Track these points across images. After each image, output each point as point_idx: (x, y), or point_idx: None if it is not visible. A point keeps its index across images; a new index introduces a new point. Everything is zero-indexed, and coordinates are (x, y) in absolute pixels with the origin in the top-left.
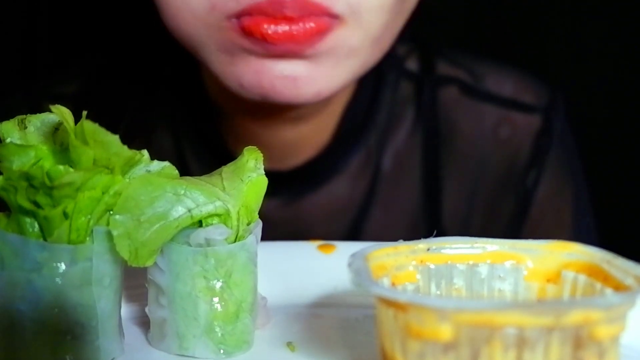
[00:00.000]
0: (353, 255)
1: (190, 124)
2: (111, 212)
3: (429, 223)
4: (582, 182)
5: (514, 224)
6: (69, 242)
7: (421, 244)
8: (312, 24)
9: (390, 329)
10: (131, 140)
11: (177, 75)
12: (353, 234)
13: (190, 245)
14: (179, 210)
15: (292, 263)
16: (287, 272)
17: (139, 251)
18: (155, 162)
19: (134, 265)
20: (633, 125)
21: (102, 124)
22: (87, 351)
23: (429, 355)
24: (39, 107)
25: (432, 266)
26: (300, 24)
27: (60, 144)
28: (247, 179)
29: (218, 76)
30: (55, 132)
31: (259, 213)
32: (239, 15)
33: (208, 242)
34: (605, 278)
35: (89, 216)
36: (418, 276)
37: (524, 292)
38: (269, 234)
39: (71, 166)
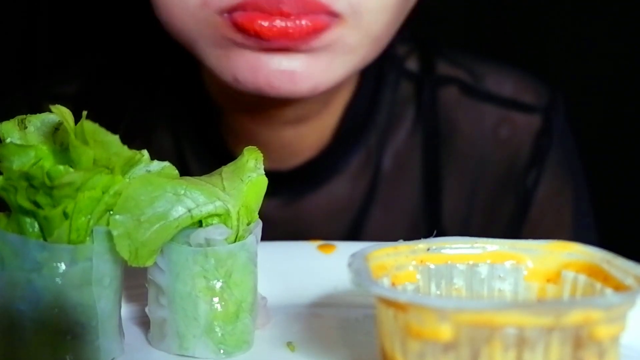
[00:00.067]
0: (353, 255)
1: (190, 124)
2: (111, 212)
3: (429, 223)
4: (582, 182)
5: (514, 224)
6: (69, 242)
7: (421, 244)
8: (308, 22)
9: (390, 329)
10: (131, 140)
11: (177, 75)
12: (353, 234)
13: (190, 245)
14: (179, 210)
15: (292, 263)
16: (287, 272)
17: (139, 251)
18: (155, 162)
19: (134, 265)
20: (633, 125)
21: (102, 124)
22: (87, 351)
23: (429, 355)
24: (39, 107)
25: (432, 266)
26: (297, 21)
27: (60, 144)
28: (247, 179)
29: (213, 70)
30: (55, 132)
31: (259, 213)
32: (231, 11)
33: (208, 242)
34: (605, 278)
35: (89, 216)
36: (418, 276)
37: (524, 292)
38: (269, 234)
39: (71, 166)
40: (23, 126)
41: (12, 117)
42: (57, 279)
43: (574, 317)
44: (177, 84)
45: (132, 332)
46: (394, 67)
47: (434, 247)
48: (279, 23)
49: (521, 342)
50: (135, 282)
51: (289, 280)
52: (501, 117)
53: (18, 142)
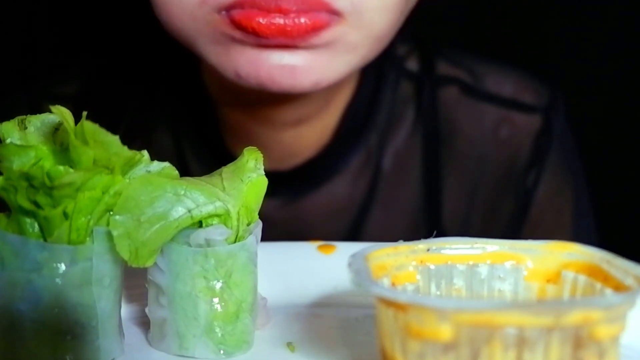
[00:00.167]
0: (353, 256)
1: (190, 124)
2: (111, 212)
3: (429, 223)
4: (582, 182)
5: (514, 224)
6: (69, 242)
7: (421, 244)
8: (307, 20)
9: (390, 329)
10: (131, 140)
11: (177, 75)
12: (353, 234)
13: (190, 245)
14: (179, 211)
15: (292, 263)
16: (287, 272)
17: (139, 251)
18: (155, 162)
19: (134, 265)
20: (633, 125)
21: (102, 124)
22: (87, 351)
23: (429, 355)
24: (39, 107)
25: (432, 266)
26: (295, 19)
27: (60, 144)
28: (247, 179)
29: (215, 68)
30: (56, 133)
31: (259, 213)
32: (229, 8)
33: (208, 243)
34: (605, 278)
35: (89, 216)
36: (418, 276)
37: (524, 292)
38: (269, 234)
39: (71, 166)
40: (23, 126)
41: (12, 117)
42: (57, 279)
43: (574, 317)
44: (177, 84)
45: (132, 332)
46: (394, 67)
47: (434, 248)
48: (277, 20)
49: (521, 342)
50: (135, 282)
51: (289, 280)
52: (501, 117)
53: (18, 142)
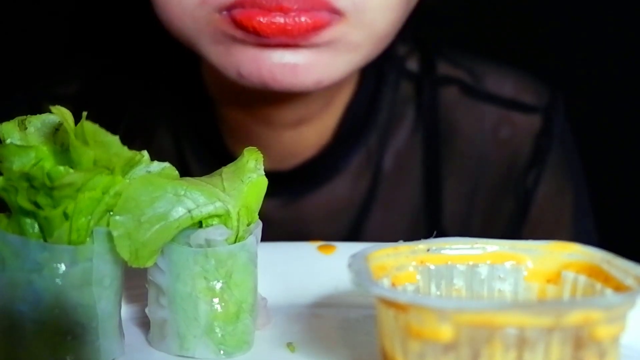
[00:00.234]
0: (353, 256)
1: (190, 124)
2: (111, 213)
3: (429, 223)
4: (582, 182)
5: (514, 224)
6: (70, 242)
7: (421, 245)
8: (308, 19)
9: (391, 329)
10: (131, 141)
11: (177, 75)
12: (353, 234)
13: (190, 245)
14: (179, 211)
15: (292, 264)
16: (288, 272)
17: (140, 252)
18: (156, 162)
19: (134, 265)
20: (633, 125)
21: (102, 124)
22: (87, 352)
23: (429, 355)
24: (39, 108)
25: (432, 267)
26: (296, 18)
27: (60, 144)
28: (247, 179)
29: (216, 67)
30: (56, 133)
31: (259, 213)
32: (230, 8)
33: (208, 243)
34: (606, 278)
35: (90, 217)
36: (418, 277)
37: (524, 292)
38: (269, 235)
39: (71, 167)
40: (23, 127)
41: (13, 117)
42: (58, 280)
43: (574, 317)
44: (177, 84)
45: (132, 333)
46: (395, 67)
47: (434, 248)
48: (278, 19)
49: (521, 342)
50: (135, 282)
51: (289, 280)
52: (501, 117)
53: (18, 142)
